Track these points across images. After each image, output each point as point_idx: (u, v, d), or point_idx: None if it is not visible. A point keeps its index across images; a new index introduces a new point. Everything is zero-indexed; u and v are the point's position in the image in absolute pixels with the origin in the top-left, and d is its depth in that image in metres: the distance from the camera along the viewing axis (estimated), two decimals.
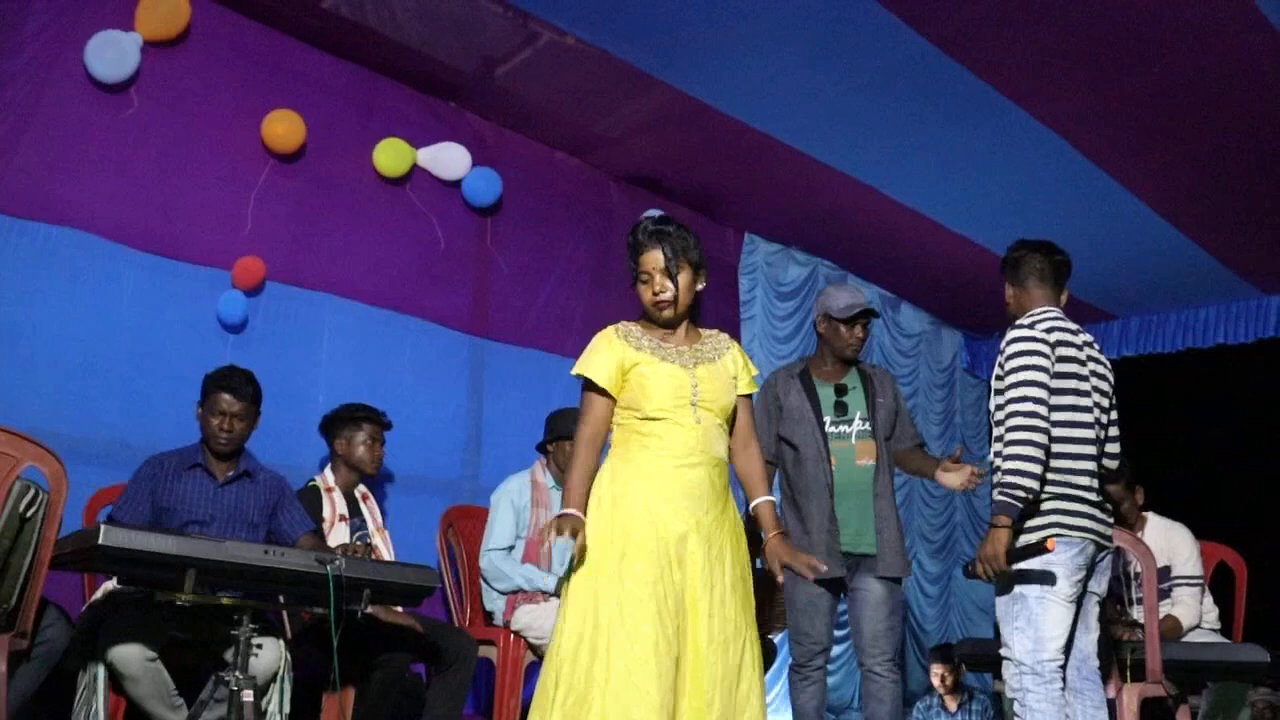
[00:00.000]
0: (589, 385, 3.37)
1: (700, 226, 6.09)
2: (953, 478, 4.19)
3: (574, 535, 3.19)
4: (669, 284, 3.36)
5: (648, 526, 3.21)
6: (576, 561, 3.23)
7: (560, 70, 5.65)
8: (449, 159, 5.80)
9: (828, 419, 4.53)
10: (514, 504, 5.06)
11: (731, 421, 3.46)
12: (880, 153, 6.35)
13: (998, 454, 3.71)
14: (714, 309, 6.38)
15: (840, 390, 4.58)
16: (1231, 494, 8.11)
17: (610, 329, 3.43)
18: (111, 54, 4.66)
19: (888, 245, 7.47)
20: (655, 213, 4.00)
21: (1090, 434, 3.76)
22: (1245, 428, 8.39)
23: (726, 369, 3.44)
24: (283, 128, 5.16)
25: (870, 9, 4.99)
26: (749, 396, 3.51)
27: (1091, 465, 3.76)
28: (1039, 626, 3.64)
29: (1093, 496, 3.75)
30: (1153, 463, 5.91)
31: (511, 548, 5.04)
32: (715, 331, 3.55)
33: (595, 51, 5.43)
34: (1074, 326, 3.86)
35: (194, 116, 4.99)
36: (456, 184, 5.86)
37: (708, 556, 3.24)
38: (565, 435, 5.09)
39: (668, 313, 3.38)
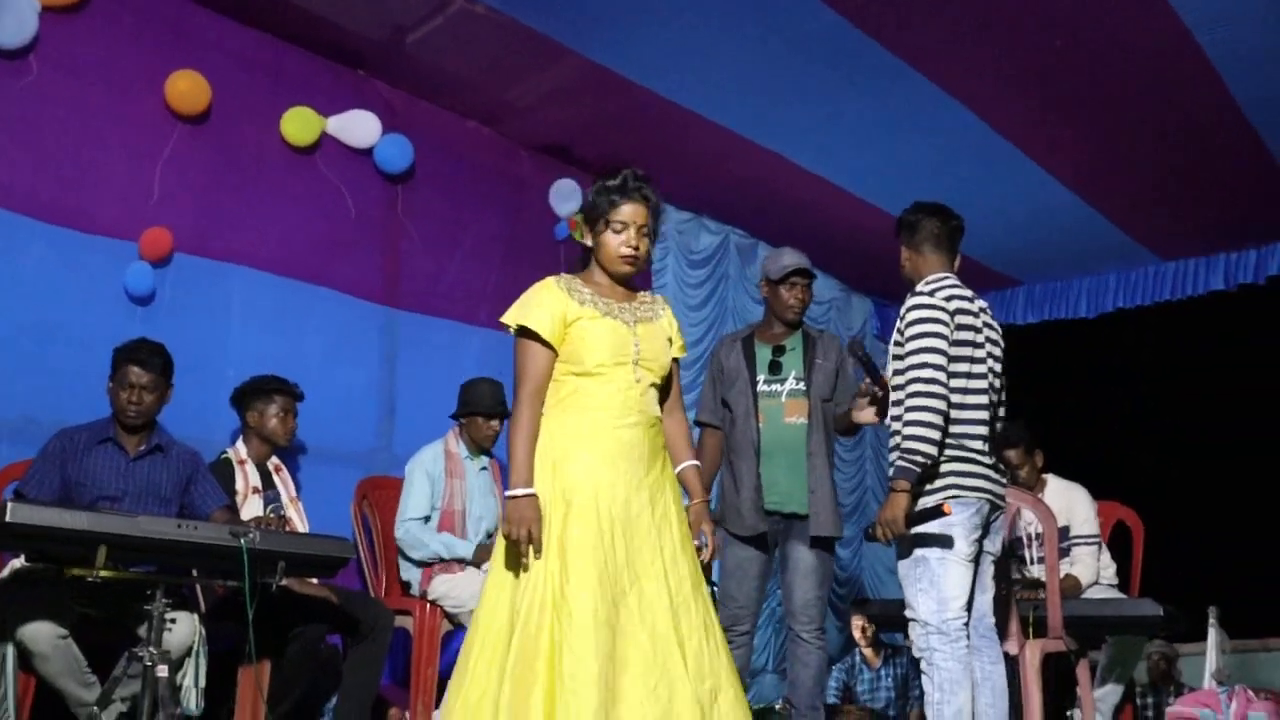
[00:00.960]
0: (529, 336, 3.28)
1: None
2: (866, 414, 4.22)
3: (529, 537, 3.13)
4: (644, 242, 3.35)
5: (589, 491, 3.19)
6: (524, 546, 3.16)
7: (470, 38, 5.61)
8: (359, 127, 5.73)
9: (761, 377, 4.56)
10: (429, 474, 5.07)
11: (665, 383, 3.46)
12: (790, 122, 6.39)
13: (896, 418, 3.80)
14: None
15: (778, 351, 4.61)
16: (1130, 454, 8.30)
17: (550, 280, 3.37)
18: (9, 20, 4.55)
19: (798, 213, 7.52)
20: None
21: (984, 399, 3.86)
22: (1143, 390, 8.60)
23: (664, 329, 3.44)
24: (186, 85, 5.05)
25: None
26: (678, 360, 3.52)
27: (985, 429, 3.87)
28: (941, 587, 3.74)
29: (987, 459, 3.86)
30: (1055, 425, 6.02)
31: (428, 518, 5.05)
32: (648, 292, 3.55)
33: (505, 19, 5.40)
34: (969, 293, 3.94)
35: (97, 84, 4.87)
36: (367, 152, 5.80)
37: (653, 518, 3.25)
38: (477, 410, 5.11)
39: (630, 268, 3.37)
